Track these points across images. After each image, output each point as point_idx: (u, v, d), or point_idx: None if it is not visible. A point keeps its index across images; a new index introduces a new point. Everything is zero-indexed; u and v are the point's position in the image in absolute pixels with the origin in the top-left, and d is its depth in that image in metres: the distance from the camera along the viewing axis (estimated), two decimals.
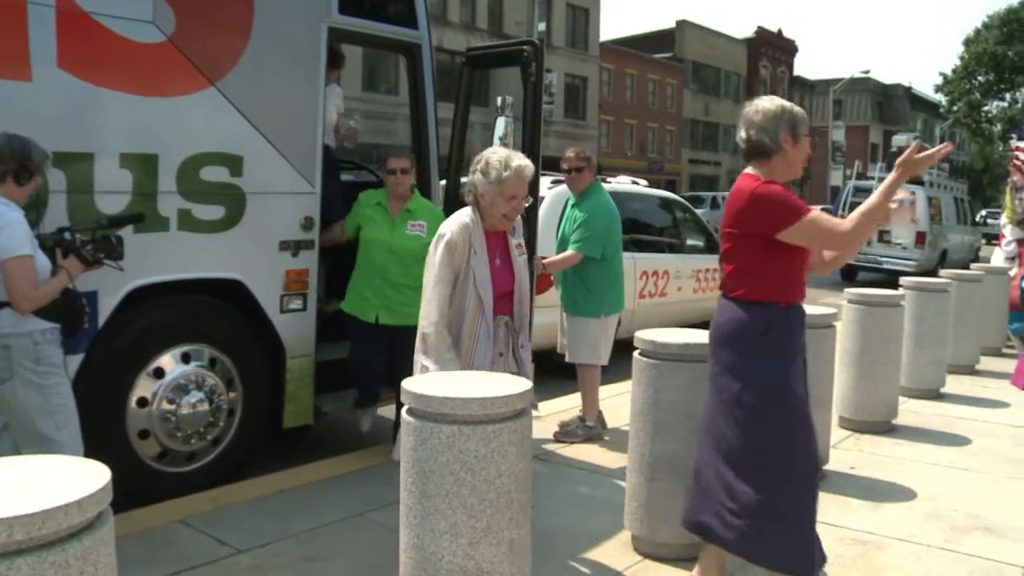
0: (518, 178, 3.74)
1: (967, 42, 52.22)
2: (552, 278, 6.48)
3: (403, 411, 2.82)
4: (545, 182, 6.76)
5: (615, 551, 4.24)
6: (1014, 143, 11.56)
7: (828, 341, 5.41)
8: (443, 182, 6.21)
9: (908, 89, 76.25)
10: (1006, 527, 4.73)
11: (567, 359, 6.12)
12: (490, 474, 2.70)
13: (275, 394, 5.18)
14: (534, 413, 5.79)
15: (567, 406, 6.62)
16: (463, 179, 6.51)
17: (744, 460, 3.48)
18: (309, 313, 5.20)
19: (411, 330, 4.95)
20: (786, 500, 3.46)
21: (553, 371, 7.41)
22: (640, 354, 4.17)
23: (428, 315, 3.73)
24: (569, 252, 5.93)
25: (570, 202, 6.23)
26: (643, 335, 4.18)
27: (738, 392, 3.47)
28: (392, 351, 5.24)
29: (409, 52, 5.79)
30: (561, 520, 4.57)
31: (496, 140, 5.88)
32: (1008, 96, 50.39)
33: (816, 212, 3.45)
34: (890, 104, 73.93)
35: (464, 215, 3.81)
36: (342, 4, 5.22)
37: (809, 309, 5.60)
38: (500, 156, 3.78)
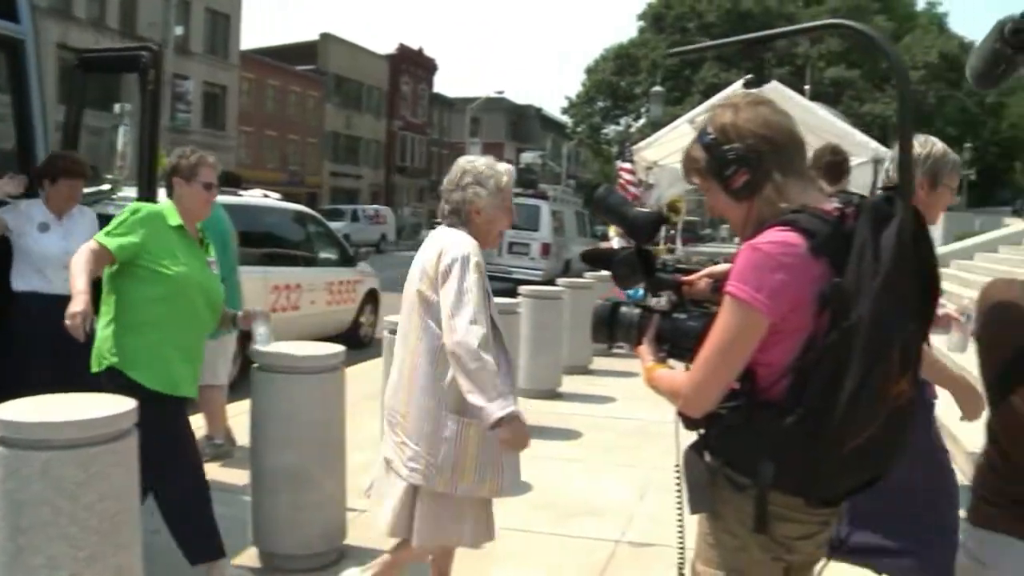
0: (512, 181, 3.38)
1: (588, 71, 57.06)
2: None
3: None
4: None
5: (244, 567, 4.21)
6: (619, 164, 12.84)
7: None
8: None
9: (539, 110, 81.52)
10: (606, 509, 5.25)
11: None
12: (91, 499, 2.58)
13: None
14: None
15: (194, 426, 6.42)
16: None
17: None
18: None
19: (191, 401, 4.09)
20: None
21: None
22: (260, 368, 4.19)
23: (480, 345, 3.04)
24: None
25: None
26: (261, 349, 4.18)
27: None
28: None
29: (10, 49, 5.33)
30: None
31: (119, 148, 5.59)
32: (622, 120, 55.59)
33: None
34: (523, 123, 78.63)
35: (464, 235, 3.28)
36: None
37: None
38: (484, 162, 3.36)
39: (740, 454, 1.97)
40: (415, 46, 64.86)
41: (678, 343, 2.11)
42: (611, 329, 2.24)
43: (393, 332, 5.64)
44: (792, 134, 2.05)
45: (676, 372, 2.07)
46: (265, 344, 4.11)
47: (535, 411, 7.64)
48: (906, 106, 2.04)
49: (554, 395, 8.47)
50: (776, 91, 12.25)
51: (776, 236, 1.90)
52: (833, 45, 47.19)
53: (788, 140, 2.03)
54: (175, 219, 3.86)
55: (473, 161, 3.39)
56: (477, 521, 3.46)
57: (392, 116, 61.70)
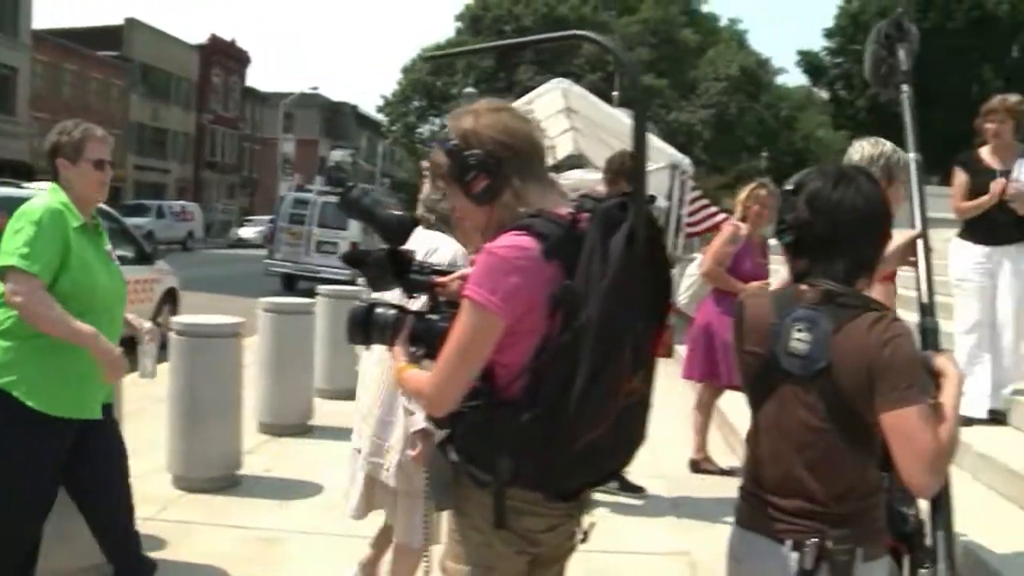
0: None
1: (405, 70, 56.85)
2: None
3: None
4: None
5: None
6: (423, 164, 12.87)
7: (235, 348, 5.58)
8: None
9: (355, 108, 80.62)
10: None
11: None
12: None
13: None
14: None
15: None
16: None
17: None
18: None
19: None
20: None
21: None
22: None
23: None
24: None
25: None
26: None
27: None
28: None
29: None
30: None
31: None
32: (437, 120, 55.69)
33: None
34: (338, 120, 77.52)
35: (447, 238, 3.58)
36: None
37: (215, 319, 5.76)
38: None
39: (481, 451, 2.02)
40: (227, 37, 62.86)
41: (431, 344, 2.15)
42: (367, 330, 2.25)
43: (180, 333, 5.49)
44: (532, 140, 2.11)
45: (422, 373, 2.10)
46: (151, 376, 3.72)
47: (332, 412, 7.53)
48: (640, 116, 2.08)
49: (352, 395, 8.35)
50: (583, 97, 12.66)
51: (511, 240, 1.96)
52: (643, 55, 48.88)
53: (528, 146, 2.10)
54: (75, 218, 3.30)
55: None
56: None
57: (202, 109, 59.43)
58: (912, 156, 2.69)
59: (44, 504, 3.40)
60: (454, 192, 2.10)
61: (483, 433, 2.01)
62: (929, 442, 1.93)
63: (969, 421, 5.49)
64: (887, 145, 3.73)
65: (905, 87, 2.77)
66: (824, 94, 47.08)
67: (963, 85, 37.17)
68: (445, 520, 3.48)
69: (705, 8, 59.88)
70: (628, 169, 5.26)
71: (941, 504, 2.14)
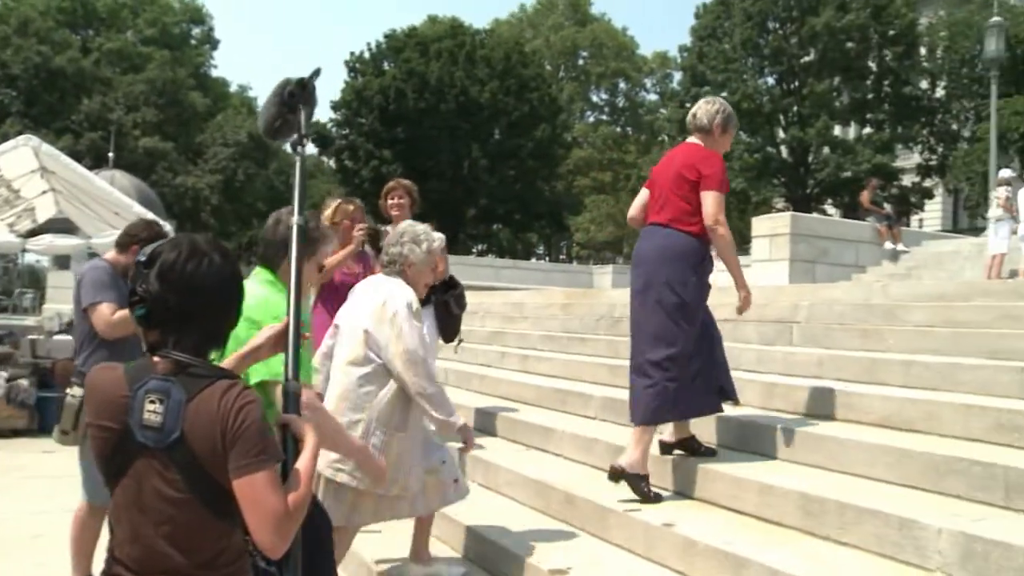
0: (440, 247, 4.26)
1: None
2: None
3: None
4: None
5: None
6: None
7: None
8: None
9: None
10: None
11: None
12: None
13: None
14: None
15: None
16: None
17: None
18: None
19: None
20: None
21: None
22: None
23: (430, 375, 3.94)
24: None
25: None
26: None
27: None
28: None
29: None
30: None
31: None
32: None
33: (720, 194, 4.56)
34: None
35: (403, 284, 4.05)
36: None
37: None
38: (422, 227, 4.17)
39: None
40: None
41: None
42: None
43: None
44: None
45: None
46: None
47: None
48: None
49: None
50: (55, 157, 11.82)
51: None
52: (149, 115, 47.09)
53: None
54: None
55: (414, 226, 4.19)
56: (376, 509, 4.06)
57: None
58: (295, 220, 2.65)
59: None
60: None
61: None
62: (276, 506, 2.01)
63: None
64: (718, 102, 4.78)
65: (299, 148, 2.82)
66: (332, 163, 48.75)
67: (456, 161, 40.85)
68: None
69: (215, 72, 59.39)
70: (156, 235, 4.94)
71: (290, 562, 2.19)
